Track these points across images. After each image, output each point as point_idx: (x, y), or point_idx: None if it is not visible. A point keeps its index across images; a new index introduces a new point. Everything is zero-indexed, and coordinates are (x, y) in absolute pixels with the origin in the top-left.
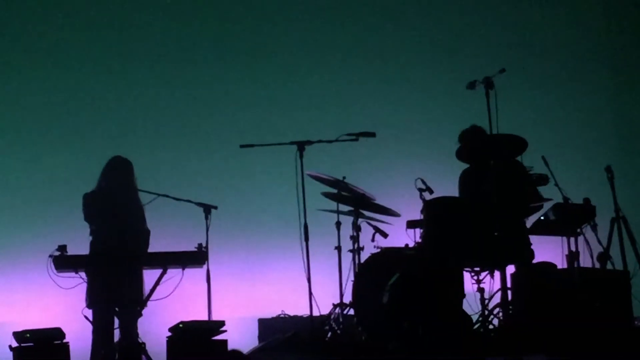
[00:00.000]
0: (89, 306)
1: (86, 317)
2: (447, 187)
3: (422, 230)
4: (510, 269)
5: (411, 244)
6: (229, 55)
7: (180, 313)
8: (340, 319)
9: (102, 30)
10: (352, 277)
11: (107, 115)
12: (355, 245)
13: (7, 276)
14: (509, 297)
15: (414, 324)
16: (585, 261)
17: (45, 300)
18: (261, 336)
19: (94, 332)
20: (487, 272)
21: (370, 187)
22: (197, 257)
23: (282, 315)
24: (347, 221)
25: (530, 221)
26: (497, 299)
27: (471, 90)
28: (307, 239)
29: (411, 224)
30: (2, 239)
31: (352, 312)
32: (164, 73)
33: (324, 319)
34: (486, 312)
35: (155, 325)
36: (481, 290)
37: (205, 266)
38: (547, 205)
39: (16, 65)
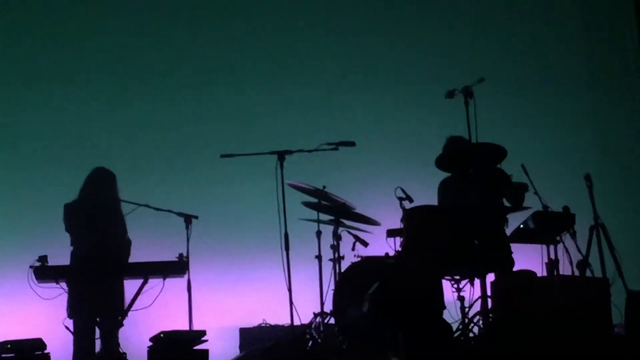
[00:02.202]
0: (70, 316)
1: (67, 328)
2: (427, 195)
3: (402, 239)
4: (490, 277)
5: (391, 253)
6: (209, 66)
7: (161, 323)
8: (321, 328)
9: (84, 43)
10: (332, 286)
11: (88, 125)
12: (336, 254)
13: None
14: (489, 305)
15: (395, 333)
16: (564, 269)
17: (26, 311)
18: (242, 345)
19: (75, 342)
20: (467, 281)
21: (351, 196)
22: (178, 267)
23: (263, 325)
24: (327, 230)
25: (509, 229)
26: (477, 307)
27: (451, 99)
28: (287, 248)
29: (391, 233)
30: None
31: (332, 321)
32: (143, 83)
33: (304, 328)
34: (466, 321)
35: (136, 335)
36: (461, 299)
37: (186, 276)
38: (526, 214)
39: None
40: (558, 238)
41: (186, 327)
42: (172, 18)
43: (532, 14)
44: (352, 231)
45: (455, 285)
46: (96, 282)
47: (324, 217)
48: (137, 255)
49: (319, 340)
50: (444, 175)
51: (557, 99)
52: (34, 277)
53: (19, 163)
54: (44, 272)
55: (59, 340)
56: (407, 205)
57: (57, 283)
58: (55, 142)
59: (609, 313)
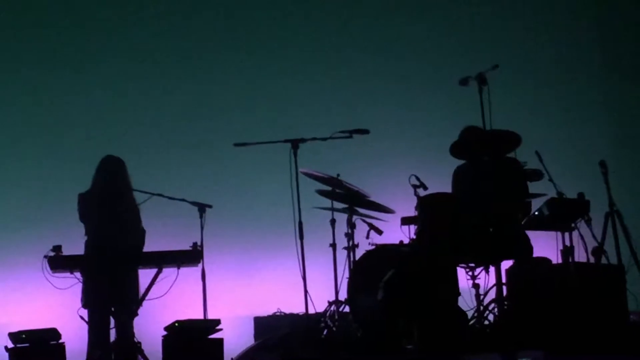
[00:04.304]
0: (84, 306)
1: (82, 317)
2: (441, 183)
3: (416, 227)
4: (505, 265)
5: (406, 241)
6: (223, 54)
7: (176, 312)
8: (336, 316)
9: (97, 30)
10: (347, 274)
11: (102, 114)
12: (350, 243)
13: (2, 277)
14: (504, 293)
15: (409, 321)
16: (580, 256)
17: (40, 300)
18: (257, 334)
19: (90, 332)
20: (482, 268)
21: (365, 184)
22: (192, 256)
23: (277, 313)
24: (341, 218)
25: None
26: (492, 294)
27: (465, 86)
28: (301, 237)
29: (405, 221)
30: None
31: (347, 309)
32: (157, 72)
33: (319, 316)
34: (481, 308)
35: (151, 324)
36: (476, 286)
37: (200, 265)
38: (541, 200)
39: (12, 66)
40: (573, 225)
41: (201, 316)
42: (187, 7)
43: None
44: (366, 219)
45: (470, 273)
46: (110, 272)
47: (338, 205)
48: (151, 244)
49: (334, 329)
50: (458, 162)
51: (571, 85)
52: (48, 267)
53: (33, 153)
54: (58, 262)
55: (74, 330)
56: (422, 192)
57: (72, 273)
58: (70, 132)
59: (624, 300)
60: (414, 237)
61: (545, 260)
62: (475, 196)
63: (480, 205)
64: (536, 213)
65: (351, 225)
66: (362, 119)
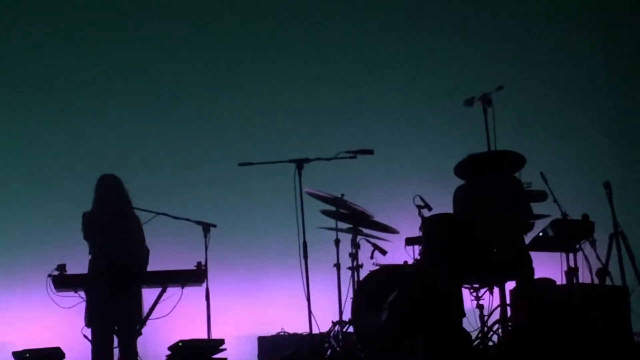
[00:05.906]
0: (88, 325)
1: (85, 337)
2: (446, 204)
3: (421, 247)
4: (509, 285)
5: (410, 261)
6: (227, 73)
7: (180, 332)
8: (340, 337)
9: (100, 52)
10: (351, 295)
11: (106, 134)
12: (354, 263)
13: (7, 296)
14: (509, 314)
15: (413, 341)
16: (584, 277)
17: (44, 319)
18: (261, 354)
19: (93, 351)
20: (486, 289)
21: (369, 205)
22: (196, 276)
23: (281, 333)
24: (346, 238)
25: (529, 237)
26: (496, 315)
27: (469, 107)
28: (306, 257)
29: (410, 241)
30: (1, 258)
31: (351, 329)
32: (161, 90)
33: (323, 336)
34: (485, 329)
35: (154, 344)
36: (480, 307)
37: (204, 284)
38: (545, 222)
39: (15, 84)
40: (577, 246)
41: (204, 336)
42: (191, 25)
43: (551, 20)
44: (370, 239)
45: (474, 294)
46: (114, 291)
47: (343, 225)
48: (156, 263)
49: (338, 349)
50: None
51: (576, 106)
52: (52, 286)
53: (37, 172)
54: (62, 281)
55: (77, 349)
56: (426, 213)
57: (76, 292)
58: (74, 151)
59: (629, 321)
60: (419, 257)
61: (549, 281)
62: (479, 216)
63: (484, 226)
64: (540, 234)
65: (355, 246)
66: (367, 139)
